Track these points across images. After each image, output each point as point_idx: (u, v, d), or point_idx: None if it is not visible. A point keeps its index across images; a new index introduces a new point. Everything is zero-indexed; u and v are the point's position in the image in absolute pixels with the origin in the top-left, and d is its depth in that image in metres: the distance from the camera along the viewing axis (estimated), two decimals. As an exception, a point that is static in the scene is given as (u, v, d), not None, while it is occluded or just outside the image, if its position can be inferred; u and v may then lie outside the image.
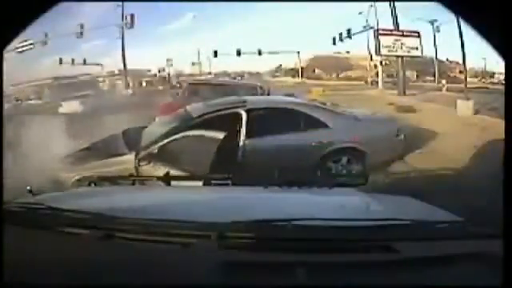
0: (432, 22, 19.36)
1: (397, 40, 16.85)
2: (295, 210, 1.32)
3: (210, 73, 24.64)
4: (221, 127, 4.23)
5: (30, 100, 16.00)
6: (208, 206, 1.39)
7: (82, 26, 17.80)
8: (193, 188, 1.92)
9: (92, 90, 16.41)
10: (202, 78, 21.31)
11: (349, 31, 19.37)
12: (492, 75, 21.02)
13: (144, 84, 25.20)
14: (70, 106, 13.36)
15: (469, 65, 16.76)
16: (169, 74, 25.68)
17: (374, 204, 1.46)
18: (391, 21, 17.24)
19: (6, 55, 1.04)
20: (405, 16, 17.54)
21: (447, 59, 22.72)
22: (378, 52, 17.66)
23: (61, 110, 13.40)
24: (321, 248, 0.95)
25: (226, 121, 4.25)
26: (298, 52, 25.48)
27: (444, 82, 18.71)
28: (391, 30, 17.29)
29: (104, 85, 20.93)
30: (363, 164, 4.36)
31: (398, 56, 17.10)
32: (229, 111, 4.20)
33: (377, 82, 19.91)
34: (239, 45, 22.53)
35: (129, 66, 20.91)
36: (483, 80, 21.26)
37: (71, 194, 2.03)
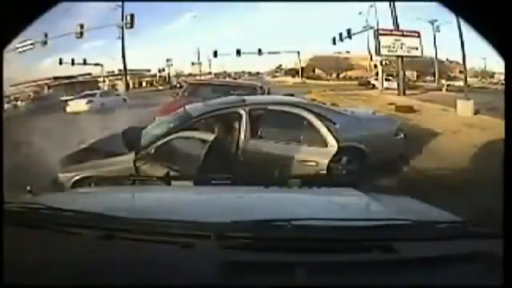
0: (432, 22, 19.40)
1: (397, 40, 16.86)
2: (295, 209, 1.32)
3: (210, 73, 24.65)
4: (220, 127, 4.24)
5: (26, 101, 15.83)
6: (208, 206, 1.39)
7: (81, 26, 17.81)
8: (193, 188, 1.93)
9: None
10: (202, 78, 21.32)
11: (349, 31, 19.39)
12: (492, 75, 21.03)
13: (144, 84, 25.21)
14: (78, 106, 13.41)
15: (469, 65, 16.82)
16: (169, 74, 25.71)
17: (374, 204, 1.46)
18: (391, 21, 17.29)
19: (6, 55, 1.04)
20: (405, 16, 17.58)
21: (447, 59, 22.75)
22: (378, 52, 17.66)
23: (68, 109, 13.46)
24: (321, 248, 0.95)
25: (226, 120, 4.25)
26: (298, 52, 25.54)
27: (444, 81, 18.74)
28: (391, 30, 17.30)
29: (104, 85, 20.92)
30: (363, 164, 4.36)
31: (398, 56, 17.12)
32: (228, 111, 4.20)
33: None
34: (239, 45, 22.62)
35: (129, 66, 20.93)
36: (483, 80, 21.27)
37: (71, 194, 2.03)
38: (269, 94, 7.92)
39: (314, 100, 6.64)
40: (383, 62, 19.58)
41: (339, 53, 25.12)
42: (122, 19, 18.61)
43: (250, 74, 27.19)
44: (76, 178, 3.52)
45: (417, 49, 17.12)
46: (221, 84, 9.17)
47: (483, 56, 19.04)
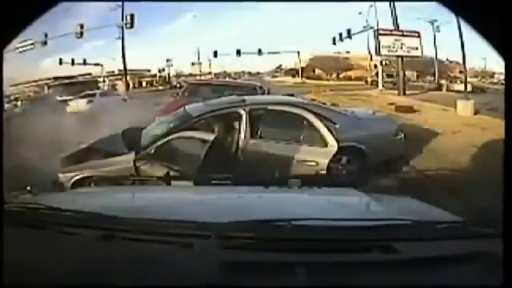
0: (432, 22, 19.40)
1: (397, 40, 16.88)
2: (295, 210, 1.32)
3: (210, 73, 24.66)
4: (220, 127, 4.23)
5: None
6: (208, 206, 1.39)
7: (81, 26, 17.79)
8: (193, 188, 1.93)
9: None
10: (202, 78, 21.32)
11: (349, 31, 19.38)
12: (492, 75, 21.04)
13: (144, 84, 25.19)
14: (78, 106, 13.38)
15: (469, 65, 16.81)
16: (169, 74, 25.70)
17: (374, 204, 1.46)
18: (391, 21, 17.30)
19: (6, 55, 1.04)
20: (405, 16, 17.58)
21: (447, 59, 22.76)
22: (378, 52, 17.67)
23: (68, 109, 13.45)
24: (321, 248, 0.95)
25: (226, 120, 4.25)
26: (298, 52, 25.55)
27: (444, 81, 18.75)
28: (391, 30, 17.32)
29: (104, 85, 20.90)
30: (363, 164, 4.35)
31: (398, 56, 17.13)
32: (228, 111, 4.20)
33: (377, 82, 19.93)
34: (239, 45, 22.62)
35: (129, 66, 20.91)
36: (483, 80, 21.28)
37: (71, 194, 2.03)
38: (269, 93, 7.92)
39: (314, 100, 6.63)
40: (383, 62, 19.59)
41: (339, 53, 25.11)
42: (122, 19, 18.59)
43: (250, 74, 27.20)
44: (76, 178, 3.52)
45: (417, 49, 17.13)
46: (221, 84, 9.19)
47: (483, 56, 19.06)
